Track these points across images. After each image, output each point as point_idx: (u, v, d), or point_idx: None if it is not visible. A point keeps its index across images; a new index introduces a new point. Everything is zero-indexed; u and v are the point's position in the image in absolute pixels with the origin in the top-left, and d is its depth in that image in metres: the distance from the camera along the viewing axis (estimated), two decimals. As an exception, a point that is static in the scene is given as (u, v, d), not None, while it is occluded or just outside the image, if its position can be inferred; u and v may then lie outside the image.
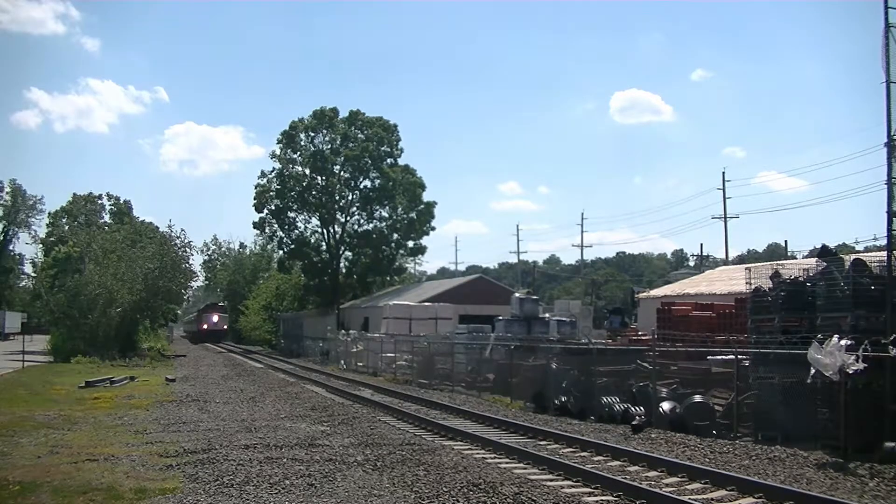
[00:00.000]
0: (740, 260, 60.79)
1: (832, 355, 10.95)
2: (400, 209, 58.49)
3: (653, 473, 10.31)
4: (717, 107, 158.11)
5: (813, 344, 11.34)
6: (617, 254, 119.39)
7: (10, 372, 27.68)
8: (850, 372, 10.84)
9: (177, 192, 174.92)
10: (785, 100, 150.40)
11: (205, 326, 76.49)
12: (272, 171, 59.81)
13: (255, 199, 59.30)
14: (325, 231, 59.99)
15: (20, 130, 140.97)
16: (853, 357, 10.84)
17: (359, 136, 58.84)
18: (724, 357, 15.13)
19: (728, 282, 27.31)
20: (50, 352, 39.05)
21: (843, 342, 11.02)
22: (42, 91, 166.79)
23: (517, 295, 32.52)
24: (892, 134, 12.20)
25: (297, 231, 60.51)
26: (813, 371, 11.23)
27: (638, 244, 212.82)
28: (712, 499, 8.92)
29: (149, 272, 40.94)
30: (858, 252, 25.77)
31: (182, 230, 45.41)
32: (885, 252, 12.59)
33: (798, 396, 12.20)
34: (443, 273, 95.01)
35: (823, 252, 15.32)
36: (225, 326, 77.49)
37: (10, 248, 79.04)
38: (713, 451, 11.89)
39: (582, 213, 69.29)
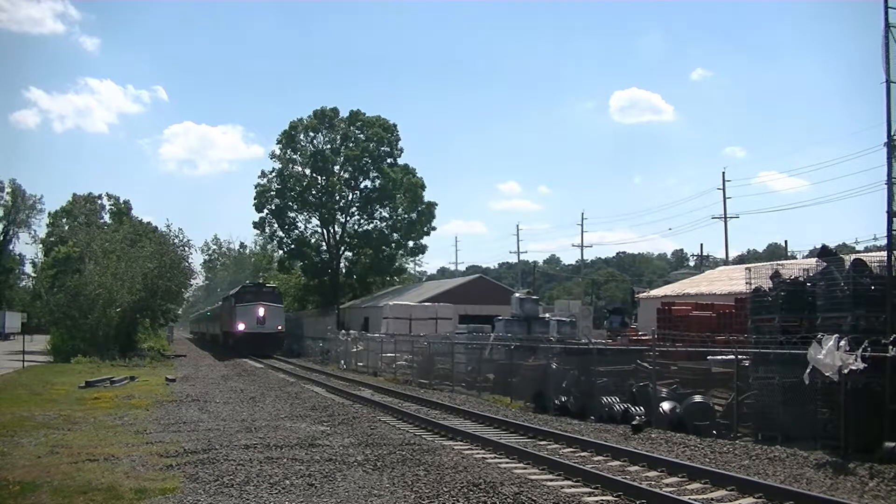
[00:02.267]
0: (740, 260, 60.84)
1: (831, 355, 10.95)
2: (400, 209, 58.55)
3: (653, 473, 10.31)
4: (717, 106, 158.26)
5: (813, 344, 11.33)
6: (617, 254, 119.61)
7: (10, 372, 27.68)
8: (847, 371, 10.83)
9: (176, 191, 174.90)
10: (785, 100, 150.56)
11: (241, 327, 43.90)
12: (272, 171, 59.92)
13: (255, 199, 59.37)
14: (325, 231, 60.07)
15: (19, 130, 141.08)
16: (853, 357, 10.83)
17: (359, 136, 58.91)
18: (724, 357, 15.13)
19: (728, 282, 27.32)
20: (50, 352, 39.06)
21: (842, 342, 11.02)
22: (41, 90, 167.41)
23: (517, 295, 32.51)
24: (892, 134, 12.20)
25: (297, 231, 60.58)
26: (808, 370, 11.22)
27: (638, 244, 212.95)
28: (712, 499, 8.92)
29: (148, 272, 40.94)
30: (858, 252, 25.76)
31: (179, 229, 45.60)
32: (885, 252, 12.58)
33: (798, 396, 12.19)
34: (443, 273, 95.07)
35: (823, 252, 15.31)
36: (280, 327, 45.81)
37: (10, 248, 79.14)
38: (713, 451, 11.88)
39: (582, 213, 69.44)
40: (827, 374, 11.04)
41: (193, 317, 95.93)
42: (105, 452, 11.25)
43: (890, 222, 12.18)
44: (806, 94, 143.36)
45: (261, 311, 44.02)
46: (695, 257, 67.33)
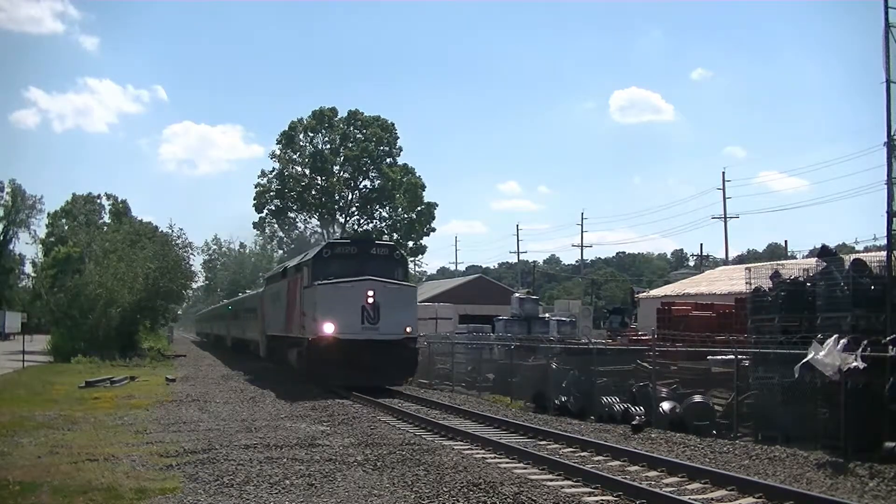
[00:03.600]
0: (740, 260, 60.84)
1: (831, 355, 10.95)
2: (400, 209, 58.64)
3: (653, 473, 10.31)
4: (717, 106, 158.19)
5: (813, 344, 11.35)
6: (617, 254, 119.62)
7: (10, 372, 27.67)
8: (847, 371, 10.83)
9: (176, 191, 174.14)
10: (785, 99, 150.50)
11: (327, 330, 20.41)
12: (272, 172, 59.99)
13: (255, 199, 59.48)
14: (325, 231, 60.09)
15: (19, 130, 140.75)
16: (852, 356, 10.83)
17: (358, 135, 59.00)
18: (724, 357, 15.13)
19: (728, 282, 27.37)
20: (50, 352, 39.04)
21: (841, 342, 11.02)
22: (40, 90, 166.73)
23: (517, 295, 32.59)
24: (892, 134, 12.22)
25: (297, 231, 60.64)
26: (800, 364, 11.23)
27: (638, 244, 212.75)
28: (712, 499, 8.92)
29: (149, 272, 40.94)
30: (858, 252, 25.78)
31: (181, 229, 45.38)
32: (885, 252, 12.60)
33: (798, 396, 12.20)
34: (443, 273, 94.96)
35: (823, 252, 15.32)
36: (410, 328, 21.55)
37: (10, 248, 79.11)
38: (713, 451, 11.89)
39: (582, 213, 69.05)
40: (827, 374, 11.04)
41: (201, 314, 77.27)
42: (105, 452, 11.25)
43: (890, 222, 12.21)
44: (806, 94, 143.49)
45: (370, 295, 20.79)
46: (695, 257, 67.35)
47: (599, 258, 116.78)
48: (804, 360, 11.19)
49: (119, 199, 75.86)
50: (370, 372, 20.32)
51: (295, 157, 60.08)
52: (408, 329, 21.19)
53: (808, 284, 13.73)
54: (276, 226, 60.85)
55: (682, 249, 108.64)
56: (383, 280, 21.23)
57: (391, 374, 21.19)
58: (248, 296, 43.57)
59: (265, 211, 60.15)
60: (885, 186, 12.30)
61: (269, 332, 29.75)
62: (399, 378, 21.86)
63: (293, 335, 24.16)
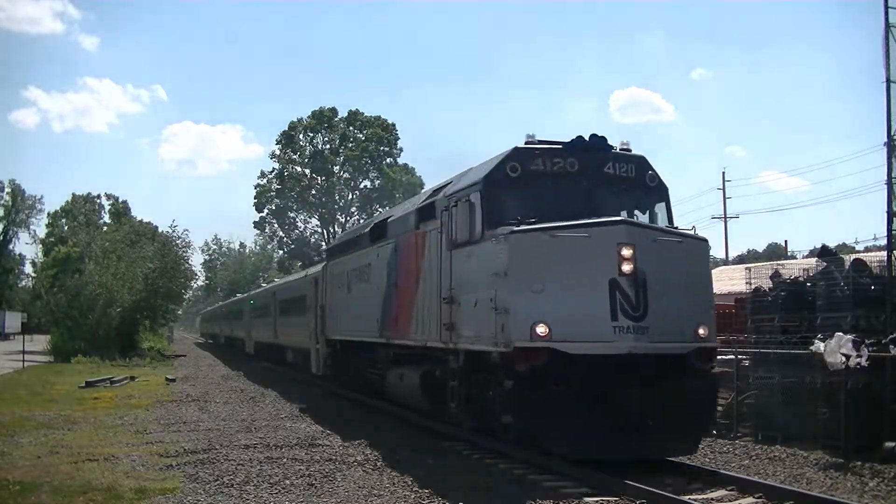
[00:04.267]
0: (740, 260, 60.70)
1: (836, 352, 10.93)
2: (400, 209, 58.77)
3: (653, 473, 10.29)
4: (717, 106, 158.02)
5: (815, 343, 11.33)
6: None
7: (10, 372, 27.68)
8: (853, 366, 10.80)
9: (176, 191, 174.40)
10: (785, 99, 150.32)
11: (539, 332, 9.12)
12: (272, 171, 60.03)
13: (255, 199, 59.53)
14: (325, 231, 60.15)
15: (18, 130, 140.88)
16: (856, 353, 10.82)
17: (358, 135, 59.04)
18: (724, 357, 15.13)
19: (728, 282, 27.29)
20: (50, 352, 39.05)
21: (846, 337, 10.99)
22: (40, 90, 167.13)
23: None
24: (892, 134, 12.22)
25: (297, 231, 60.67)
26: (823, 350, 11.17)
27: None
28: (712, 499, 8.91)
29: (149, 272, 40.93)
30: (858, 252, 25.75)
31: (185, 230, 45.36)
32: (885, 252, 12.60)
33: (798, 396, 12.20)
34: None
35: (823, 252, 15.33)
36: (705, 330, 9.96)
37: (10, 248, 79.19)
38: (713, 451, 11.87)
39: (582, 213, 68.76)
40: (834, 368, 11.01)
41: (207, 312, 69.55)
42: (105, 452, 11.25)
43: (890, 222, 12.21)
44: (806, 94, 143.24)
45: (626, 257, 9.14)
46: (695, 257, 67.08)
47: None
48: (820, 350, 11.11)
49: (119, 199, 76.06)
50: (635, 427, 9.33)
51: (295, 157, 60.15)
52: (701, 331, 10.11)
53: (808, 284, 13.73)
54: (276, 226, 60.89)
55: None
56: (649, 226, 10.63)
57: (676, 432, 9.82)
58: (287, 282, 31.21)
59: (265, 211, 60.25)
60: (885, 186, 12.31)
61: (337, 335, 19.77)
62: (691, 437, 10.28)
63: (415, 342, 13.08)
